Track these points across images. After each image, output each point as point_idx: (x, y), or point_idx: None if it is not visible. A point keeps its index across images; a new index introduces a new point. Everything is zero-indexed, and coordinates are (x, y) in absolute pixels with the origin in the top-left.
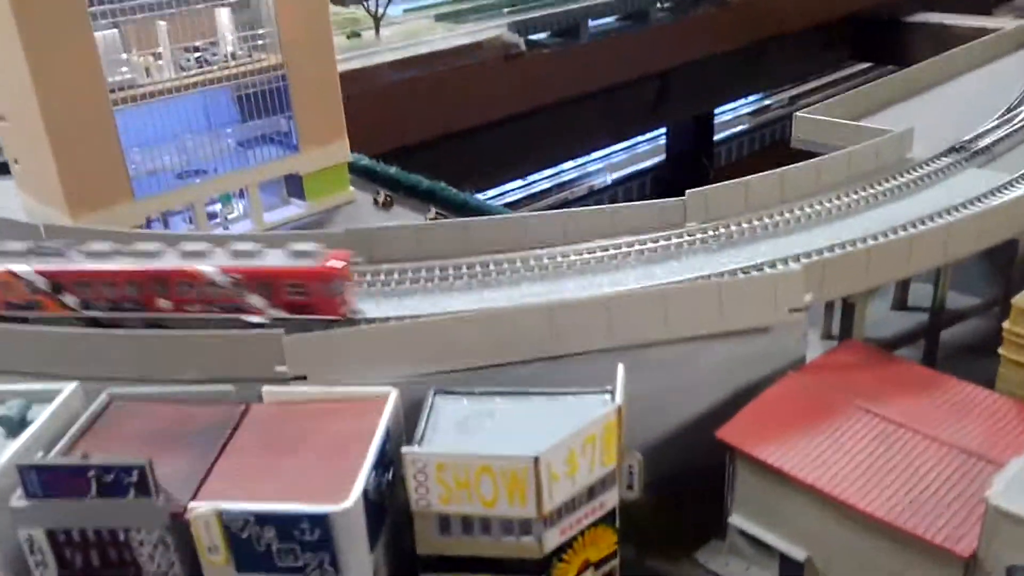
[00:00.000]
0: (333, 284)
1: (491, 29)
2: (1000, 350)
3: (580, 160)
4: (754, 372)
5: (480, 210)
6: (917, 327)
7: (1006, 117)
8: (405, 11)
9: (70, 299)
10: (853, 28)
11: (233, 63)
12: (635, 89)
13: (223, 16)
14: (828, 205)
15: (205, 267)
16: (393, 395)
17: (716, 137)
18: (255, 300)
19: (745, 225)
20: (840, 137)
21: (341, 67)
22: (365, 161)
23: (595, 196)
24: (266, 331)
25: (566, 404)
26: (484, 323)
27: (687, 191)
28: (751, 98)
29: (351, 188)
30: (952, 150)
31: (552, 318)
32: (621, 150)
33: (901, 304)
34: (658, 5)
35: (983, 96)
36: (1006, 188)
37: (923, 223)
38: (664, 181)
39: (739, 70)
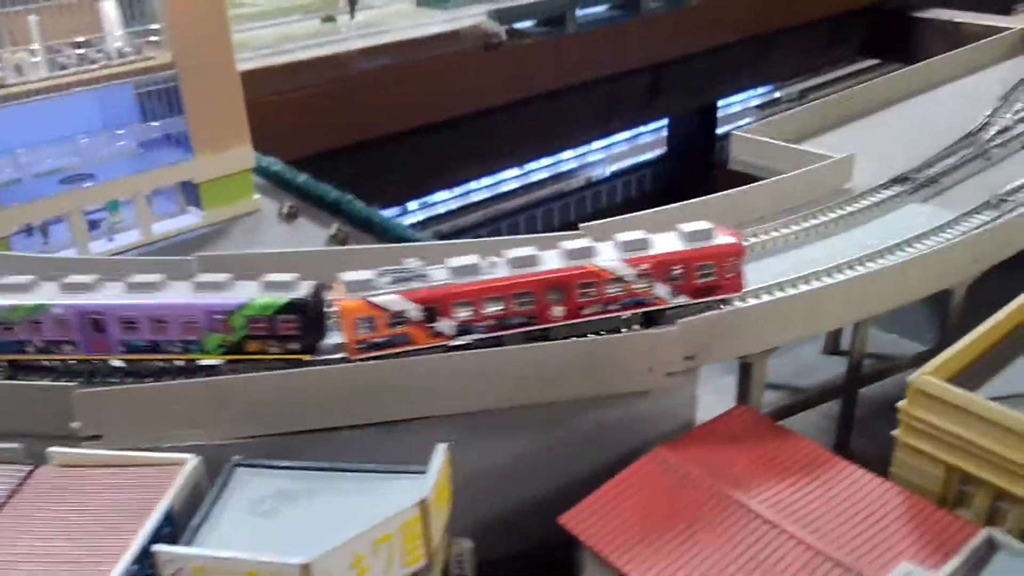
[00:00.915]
0: (739, 260)
1: (473, 17)
2: (895, 433)
3: (581, 150)
4: (632, 438)
5: (384, 227)
6: (840, 380)
7: (963, 143)
8: None
9: (444, 325)
10: (863, 22)
11: (118, 60)
12: (628, 81)
13: (108, 10)
14: (745, 244)
15: (608, 263)
16: (190, 464)
17: (720, 130)
18: (660, 290)
19: None
20: (780, 160)
21: (309, 53)
22: (277, 167)
23: (593, 188)
24: (59, 383)
25: (377, 486)
26: (314, 381)
27: (580, 225)
28: (760, 90)
29: (257, 196)
30: (895, 181)
31: (390, 377)
32: (622, 141)
33: (833, 347)
34: None
35: (945, 117)
36: (945, 228)
37: (839, 271)
38: (664, 176)
39: (741, 62)
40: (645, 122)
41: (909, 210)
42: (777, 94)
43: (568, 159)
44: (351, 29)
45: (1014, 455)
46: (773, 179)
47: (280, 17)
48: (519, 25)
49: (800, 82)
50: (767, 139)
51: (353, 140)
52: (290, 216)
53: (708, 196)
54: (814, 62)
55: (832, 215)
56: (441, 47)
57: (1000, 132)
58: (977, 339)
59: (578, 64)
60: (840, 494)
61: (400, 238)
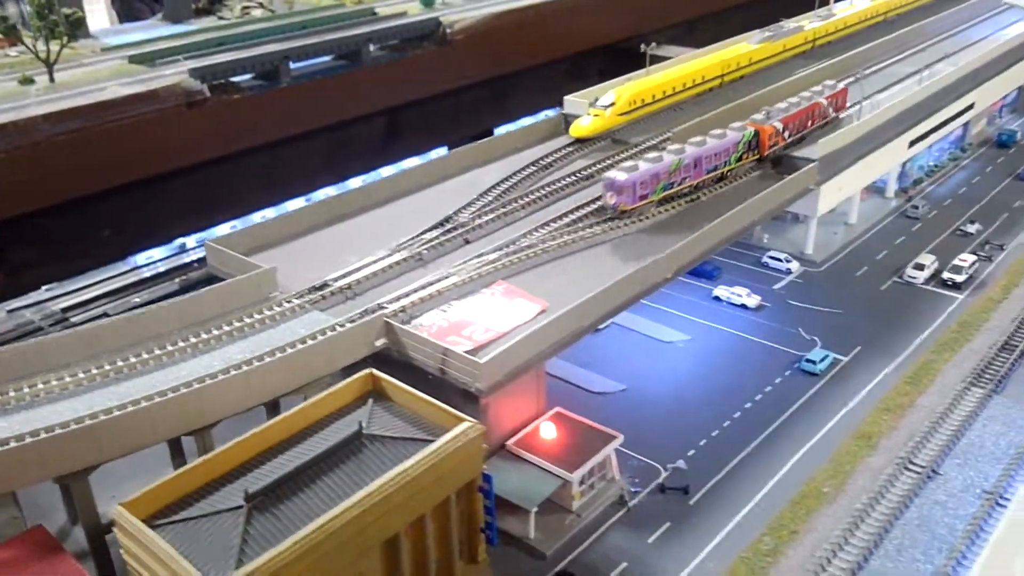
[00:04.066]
0: None
1: (179, 75)
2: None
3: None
4: None
5: None
6: None
7: (396, 248)
8: (104, 49)
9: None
10: (601, 58)
11: None
12: (361, 127)
13: None
14: (122, 364)
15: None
16: None
17: None
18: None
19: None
20: (236, 269)
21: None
22: None
23: None
24: None
25: None
26: None
27: None
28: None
29: None
30: (314, 289)
31: None
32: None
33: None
34: (370, 47)
35: (409, 220)
36: (316, 336)
37: (161, 395)
38: None
39: (482, 102)
40: (383, 165)
41: (309, 318)
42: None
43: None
44: (48, 91)
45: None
46: (194, 294)
47: None
48: (236, 79)
49: None
50: (226, 249)
51: (51, 202)
52: None
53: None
54: (555, 96)
55: (219, 331)
56: (140, 107)
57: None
58: (184, 473)
59: (300, 114)
60: None
61: None
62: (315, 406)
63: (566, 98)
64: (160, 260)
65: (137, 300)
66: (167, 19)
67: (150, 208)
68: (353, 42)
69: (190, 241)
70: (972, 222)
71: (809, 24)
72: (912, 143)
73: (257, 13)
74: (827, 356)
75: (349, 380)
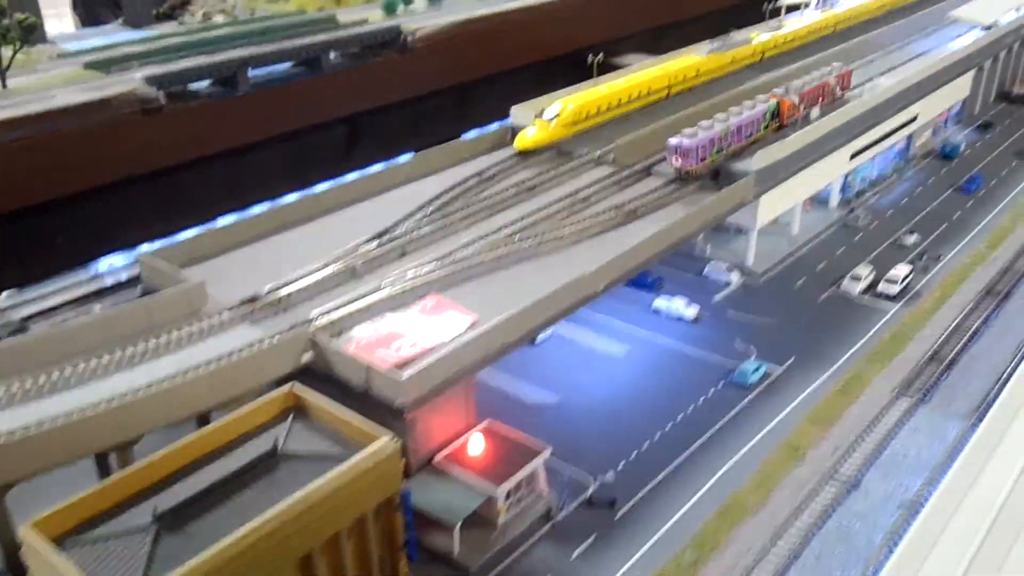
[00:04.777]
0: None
1: (134, 82)
2: None
3: None
4: None
5: None
6: None
7: (332, 261)
8: (60, 55)
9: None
10: (566, 65)
11: None
12: (322, 134)
13: None
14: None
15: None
16: None
17: None
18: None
19: None
20: (167, 282)
21: None
22: None
23: None
24: None
25: None
26: None
27: None
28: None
29: None
30: (244, 302)
31: None
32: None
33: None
34: (330, 54)
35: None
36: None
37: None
38: None
39: (444, 109)
40: (345, 172)
41: (239, 332)
42: None
43: None
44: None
45: None
46: (119, 308)
47: None
48: (194, 87)
49: None
50: (157, 262)
51: (2, 210)
52: None
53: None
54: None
55: (140, 346)
56: (93, 114)
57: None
58: (98, 491)
59: (259, 121)
60: None
61: None
62: (234, 423)
63: (512, 109)
64: (122, 268)
65: (98, 308)
66: (128, 25)
67: (106, 215)
68: (313, 49)
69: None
70: (911, 233)
71: (758, 36)
72: (854, 155)
73: (219, 19)
74: (760, 367)
75: (269, 396)
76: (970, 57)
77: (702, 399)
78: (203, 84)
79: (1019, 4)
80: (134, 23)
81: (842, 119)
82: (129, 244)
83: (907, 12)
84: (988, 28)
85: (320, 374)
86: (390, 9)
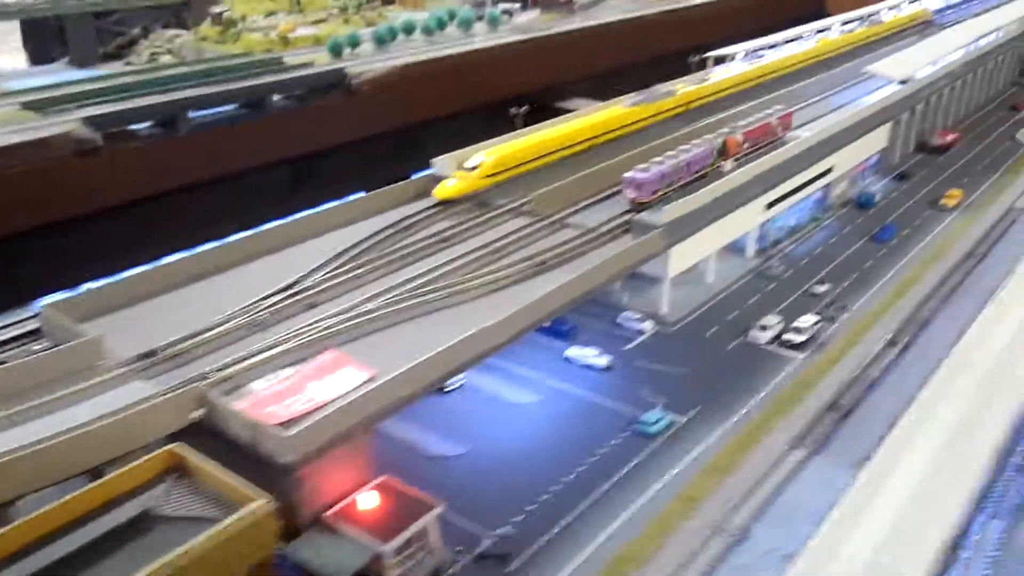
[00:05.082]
0: None
1: (73, 123)
2: None
3: None
4: None
5: None
6: None
7: (238, 313)
8: (1, 94)
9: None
10: (517, 109)
11: None
12: (266, 175)
13: None
14: None
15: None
16: None
17: None
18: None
19: None
20: (65, 336)
21: None
22: None
23: None
24: None
25: None
26: None
27: None
28: None
29: None
30: (142, 356)
31: None
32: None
33: None
34: (274, 96)
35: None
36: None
37: None
38: None
39: (395, 150)
40: (290, 213)
41: (132, 387)
42: None
43: None
44: None
45: None
46: (9, 365)
47: None
48: (134, 128)
49: None
50: (59, 315)
51: None
52: None
53: None
54: (467, 145)
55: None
56: (27, 155)
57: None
58: None
59: (201, 163)
60: None
61: None
62: (111, 484)
63: (434, 160)
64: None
65: (36, 348)
66: (74, 64)
67: (44, 256)
68: (256, 92)
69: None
70: (822, 283)
71: (683, 88)
72: (770, 205)
73: (166, 59)
74: (662, 418)
75: (150, 456)
76: (886, 110)
77: (604, 450)
78: (144, 125)
79: (935, 59)
80: (80, 62)
81: (755, 172)
82: (71, 284)
83: (831, 65)
84: (904, 83)
85: (212, 431)
86: (336, 51)
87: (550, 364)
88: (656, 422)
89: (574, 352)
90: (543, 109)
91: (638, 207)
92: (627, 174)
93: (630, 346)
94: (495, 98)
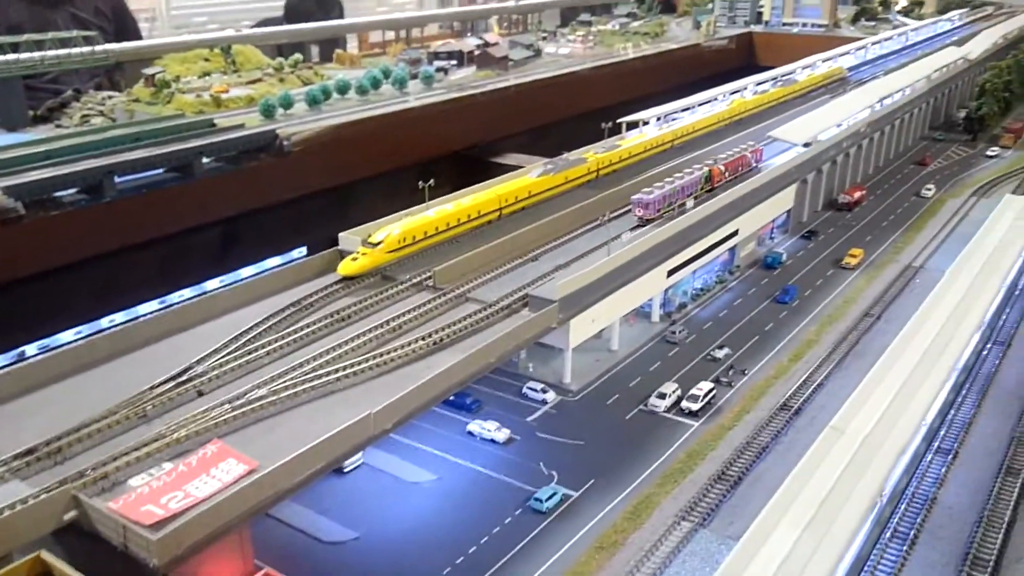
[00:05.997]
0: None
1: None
2: None
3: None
4: None
5: None
6: None
7: (123, 404)
8: None
9: (726, 175)
10: (448, 165)
11: None
12: (196, 238)
13: None
14: None
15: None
16: None
17: None
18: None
19: None
20: None
21: None
22: None
23: None
24: None
25: None
26: None
27: None
28: None
29: None
30: (19, 455)
31: None
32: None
33: None
34: (203, 159)
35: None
36: None
37: None
38: None
39: (327, 209)
40: (221, 273)
41: (7, 488)
42: None
43: None
44: None
45: None
46: None
47: None
48: (58, 195)
49: None
50: None
51: None
52: None
53: None
54: (402, 203)
55: None
56: None
57: None
58: None
59: (127, 228)
60: None
61: None
62: None
63: (340, 235)
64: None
65: None
66: (3, 127)
67: None
68: (184, 155)
69: (30, 350)
70: (722, 347)
71: (593, 154)
72: (671, 272)
73: (97, 121)
74: (555, 493)
75: (15, 565)
76: (789, 172)
77: (497, 528)
78: (69, 192)
79: (839, 121)
80: (8, 125)
81: (653, 242)
82: None
83: (744, 126)
84: (807, 146)
85: (87, 532)
86: (268, 113)
87: (452, 439)
88: (550, 497)
89: (475, 427)
90: (478, 162)
91: (645, 222)
92: (635, 196)
93: (531, 417)
94: (427, 156)
